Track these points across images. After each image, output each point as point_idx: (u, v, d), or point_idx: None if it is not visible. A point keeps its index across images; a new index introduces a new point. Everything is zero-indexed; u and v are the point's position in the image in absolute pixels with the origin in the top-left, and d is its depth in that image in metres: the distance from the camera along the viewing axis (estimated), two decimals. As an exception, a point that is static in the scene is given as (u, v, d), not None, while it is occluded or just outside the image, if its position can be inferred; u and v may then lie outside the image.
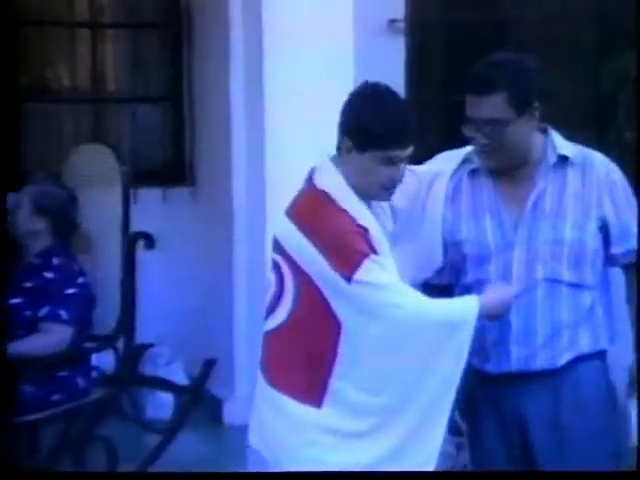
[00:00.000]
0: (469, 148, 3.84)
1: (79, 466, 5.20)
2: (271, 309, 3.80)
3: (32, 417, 5.02)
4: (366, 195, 3.74)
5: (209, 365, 5.43)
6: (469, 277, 3.83)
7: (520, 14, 7.33)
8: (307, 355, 3.74)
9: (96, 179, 5.49)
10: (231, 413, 5.96)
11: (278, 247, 3.77)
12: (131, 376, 5.46)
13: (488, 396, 3.88)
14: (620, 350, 3.96)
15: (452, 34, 7.14)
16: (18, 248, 5.33)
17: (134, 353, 5.40)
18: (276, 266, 3.79)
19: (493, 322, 3.76)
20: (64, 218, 5.27)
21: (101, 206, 5.42)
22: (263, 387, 3.82)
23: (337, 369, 3.68)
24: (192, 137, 6.85)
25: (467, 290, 3.82)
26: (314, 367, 3.72)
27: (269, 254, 3.87)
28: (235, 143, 5.98)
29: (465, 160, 3.87)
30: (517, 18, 7.34)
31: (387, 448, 3.76)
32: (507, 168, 3.78)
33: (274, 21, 5.33)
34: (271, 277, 3.81)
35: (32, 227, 5.22)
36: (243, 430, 3.87)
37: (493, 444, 3.92)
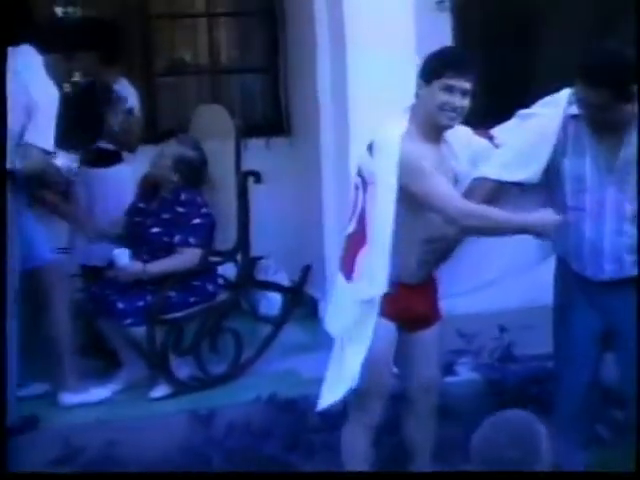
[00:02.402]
0: (566, 91, 3.79)
1: (213, 352, 5.28)
2: (349, 219, 3.86)
3: (176, 315, 5.17)
4: (431, 122, 3.75)
5: (306, 270, 5.53)
6: (568, 201, 3.80)
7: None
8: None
9: (214, 131, 5.50)
10: (324, 310, 5.98)
11: (358, 172, 3.80)
12: (248, 281, 5.54)
13: (581, 293, 3.88)
14: None
15: (492, 12, 6.77)
16: (156, 186, 5.38)
17: (250, 264, 5.50)
18: (355, 187, 3.82)
19: (586, 240, 3.75)
20: (195, 173, 5.35)
21: (220, 152, 5.42)
22: (340, 280, 3.88)
23: None
24: (286, 98, 6.81)
25: (566, 210, 3.77)
26: None
27: (350, 187, 3.92)
28: (322, 101, 5.92)
29: (569, 103, 3.78)
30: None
31: None
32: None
33: (351, 4, 5.27)
34: (352, 195, 3.87)
35: (170, 178, 5.29)
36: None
37: (578, 332, 3.92)
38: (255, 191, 5.51)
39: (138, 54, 6.83)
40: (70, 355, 5.02)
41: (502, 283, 5.73)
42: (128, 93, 5.88)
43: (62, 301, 5.01)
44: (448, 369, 5.24)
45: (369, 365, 3.77)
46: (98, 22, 5.99)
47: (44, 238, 4.96)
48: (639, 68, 3.64)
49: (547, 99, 3.92)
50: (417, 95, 3.79)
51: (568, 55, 6.47)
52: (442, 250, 3.91)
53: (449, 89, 3.68)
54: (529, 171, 3.82)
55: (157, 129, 6.47)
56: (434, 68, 3.72)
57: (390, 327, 3.87)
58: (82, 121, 5.43)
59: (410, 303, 3.86)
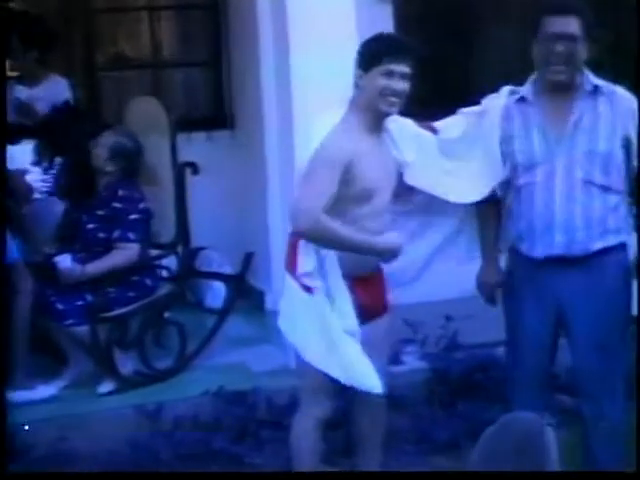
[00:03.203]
0: (507, 88, 3.86)
1: (159, 346, 5.25)
2: None
3: (117, 312, 5.13)
4: (372, 109, 3.71)
5: (248, 258, 5.48)
6: (520, 180, 3.81)
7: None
8: None
9: (149, 124, 5.48)
10: (270, 302, 5.96)
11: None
12: (190, 272, 5.50)
13: (531, 278, 3.86)
14: None
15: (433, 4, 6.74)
16: (91, 183, 5.31)
17: (191, 255, 5.46)
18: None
19: (537, 213, 3.75)
20: (131, 162, 5.29)
21: (156, 145, 5.42)
22: (287, 279, 3.85)
23: None
24: (230, 91, 6.76)
25: (518, 191, 3.82)
26: None
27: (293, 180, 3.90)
28: (265, 95, 5.89)
29: (511, 93, 3.85)
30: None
31: None
32: (567, 84, 3.75)
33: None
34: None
35: (107, 169, 5.23)
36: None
37: (530, 320, 3.89)
38: (197, 184, 5.50)
39: (80, 48, 6.80)
40: (22, 353, 4.97)
41: (447, 272, 5.83)
42: (62, 87, 5.84)
43: (25, 300, 4.98)
44: (395, 358, 5.24)
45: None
46: (34, 19, 6.00)
47: (10, 238, 4.94)
48: (639, 62, 3.70)
49: (489, 96, 3.94)
50: (356, 85, 3.74)
51: (508, 49, 6.59)
52: None
53: (389, 74, 3.63)
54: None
55: (99, 123, 6.37)
56: (373, 55, 3.68)
57: None
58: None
59: (358, 295, 3.80)
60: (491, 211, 4.02)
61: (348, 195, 3.66)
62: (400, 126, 3.92)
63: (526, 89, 3.85)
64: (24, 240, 5.41)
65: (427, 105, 6.85)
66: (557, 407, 4.55)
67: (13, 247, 4.94)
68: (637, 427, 3.86)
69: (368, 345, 3.91)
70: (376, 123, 3.78)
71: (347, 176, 3.64)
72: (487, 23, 6.73)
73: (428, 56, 6.51)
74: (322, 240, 3.62)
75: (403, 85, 3.67)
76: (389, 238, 3.71)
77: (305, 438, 3.97)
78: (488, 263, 4.06)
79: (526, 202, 3.82)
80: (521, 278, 3.92)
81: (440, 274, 5.92)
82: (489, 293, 4.07)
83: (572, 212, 3.75)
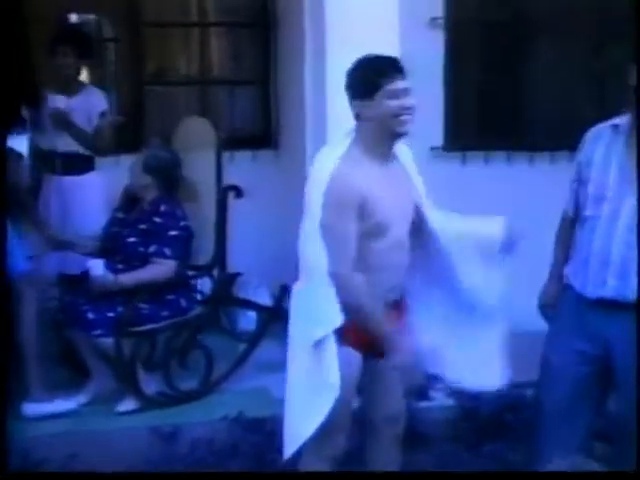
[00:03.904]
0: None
1: (183, 367, 5.16)
2: None
3: (146, 328, 5.06)
4: (387, 134, 3.59)
5: (283, 289, 5.30)
6: (587, 212, 3.69)
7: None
8: None
9: (197, 143, 5.45)
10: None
11: None
12: (224, 297, 5.42)
13: (580, 317, 3.74)
14: None
15: (485, 30, 6.62)
16: (135, 198, 5.30)
17: (226, 279, 5.40)
18: None
19: (594, 249, 3.62)
20: (167, 175, 5.27)
21: (202, 164, 5.38)
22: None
23: None
24: (276, 111, 6.69)
25: (583, 222, 3.71)
26: None
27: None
28: (308, 115, 5.81)
29: (613, 122, 3.69)
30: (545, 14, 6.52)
31: None
32: None
33: (334, 21, 5.17)
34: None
35: (141, 182, 5.19)
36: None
37: (572, 359, 3.75)
38: (240, 204, 5.40)
39: (127, 61, 6.76)
40: (36, 364, 4.93)
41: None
42: (98, 99, 5.84)
43: (30, 310, 4.95)
44: (423, 394, 5.14)
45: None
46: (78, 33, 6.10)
47: (18, 248, 4.89)
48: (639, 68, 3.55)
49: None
50: (358, 116, 3.63)
51: (565, 70, 6.41)
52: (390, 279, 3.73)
53: (396, 94, 3.53)
54: None
55: (143, 138, 6.33)
56: (368, 82, 3.54)
57: (355, 355, 3.70)
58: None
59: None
60: (566, 234, 3.90)
61: (362, 231, 3.55)
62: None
63: (623, 118, 3.69)
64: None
65: (479, 135, 6.75)
66: (588, 453, 4.39)
67: (19, 257, 4.90)
68: (637, 427, 3.67)
69: (384, 382, 3.79)
70: (385, 151, 3.66)
71: (362, 212, 3.53)
72: (540, 49, 6.55)
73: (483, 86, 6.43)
74: (352, 310, 3.54)
75: (411, 100, 3.55)
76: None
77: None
78: (555, 281, 3.93)
79: (587, 236, 3.71)
80: (571, 314, 3.79)
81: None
82: (550, 312, 3.94)
83: (628, 257, 3.58)
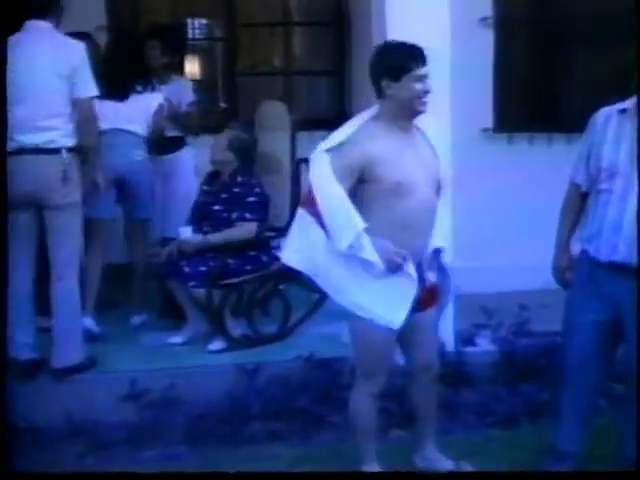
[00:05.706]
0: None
1: (265, 314, 5.34)
2: None
3: (233, 280, 5.24)
4: (406, 112, 3.66)
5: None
6: (602, 185, 3.71)
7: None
8: None
9: (275, 123, 5.58)
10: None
11: None
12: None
13: (594, 279, 3.76)
14: None
15: (529, 28, 6.65)
16: (217, 173, 5.47)
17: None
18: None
19: (607, 220, 3.64)
20: (246, 153, 5.45)
21: (279, 141, 5.50)
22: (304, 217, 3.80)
23: None
24: (349, 98, 6.78)
25: (597, 195, 3.72)
26: None
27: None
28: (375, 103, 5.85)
29: (620, 106, 3.70)
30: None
31: None
32: None
33: (394, 20, 5.16)
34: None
35: (224, 158, 5.35)
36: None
37: (587, 316, 3.78)
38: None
39: (223, 56, 6.98)
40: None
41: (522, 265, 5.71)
42: (185, 90, 6.00)
43: (97, 252, 5.36)
44: (469, 340, 5.25)
45: (372, 344, 3.72)
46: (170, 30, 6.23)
47: (108, 198, 5.31)
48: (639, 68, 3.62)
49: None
50: (384, 94, 3.67)
51: (598, 64, 6.39)
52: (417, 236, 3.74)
53: (420, 79, 3.62)
54: None
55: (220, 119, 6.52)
56: (401, 64, 3.61)
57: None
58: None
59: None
60: (575, 204, 3.93)
61: (384, 189, 3.63)
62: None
63: (630, 102, 3.72)
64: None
65: (524, 119, 6.73)
66: (608, 394, 4.45)
67: (111, 205, 5.40)
68: (637, 427, 3.77)
69: (420, 334, 3.86)
70: (405, 125, 3.72)
71: (370, 176, 3.60)
72: (577, 45, 6.56)
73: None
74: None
75: (430, 85, 3.65)
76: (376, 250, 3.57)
77: (361, 414, 3.90)
78: (562, 250, 3.98)
79: (601, 207, 3.75)
80: (586, 277, 3.84)
81: (517, 267, 5.84)
82: (562, 277, 3.98)
83: (637, 228, 3.62)
